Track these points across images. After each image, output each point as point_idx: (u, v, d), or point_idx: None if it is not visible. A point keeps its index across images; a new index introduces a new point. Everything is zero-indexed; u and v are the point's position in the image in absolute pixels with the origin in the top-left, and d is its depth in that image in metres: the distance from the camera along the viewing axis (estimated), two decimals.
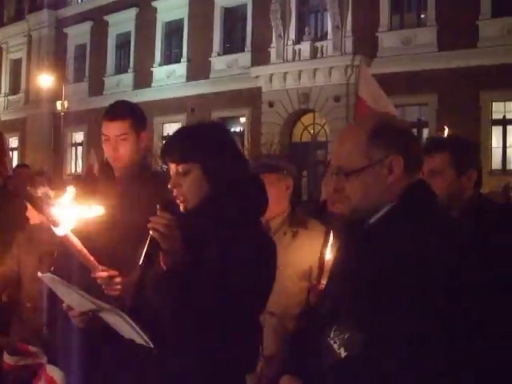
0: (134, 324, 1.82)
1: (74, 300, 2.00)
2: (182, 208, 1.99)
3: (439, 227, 1.60)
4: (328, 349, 1.61)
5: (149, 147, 2.49)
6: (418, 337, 1.44)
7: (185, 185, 1.98)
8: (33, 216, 3.81)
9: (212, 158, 1.98)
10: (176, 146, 2.03)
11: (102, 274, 2.16)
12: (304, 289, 3.02)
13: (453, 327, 1.43)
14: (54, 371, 2.87)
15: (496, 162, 17.15)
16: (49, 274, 2.01)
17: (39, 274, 1.99)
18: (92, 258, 2.14)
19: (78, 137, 28.28)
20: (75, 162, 28.29)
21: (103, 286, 2.18)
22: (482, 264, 1.55)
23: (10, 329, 3.68)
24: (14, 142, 30.56)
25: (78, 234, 2.07)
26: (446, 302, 1.43)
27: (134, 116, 2.71)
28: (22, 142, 30.02)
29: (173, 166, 2.01)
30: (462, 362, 1.43)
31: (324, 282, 2.87)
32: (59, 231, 1.99)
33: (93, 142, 22.92)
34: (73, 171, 26.62)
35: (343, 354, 1.56)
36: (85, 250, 2.10)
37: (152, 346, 1.83)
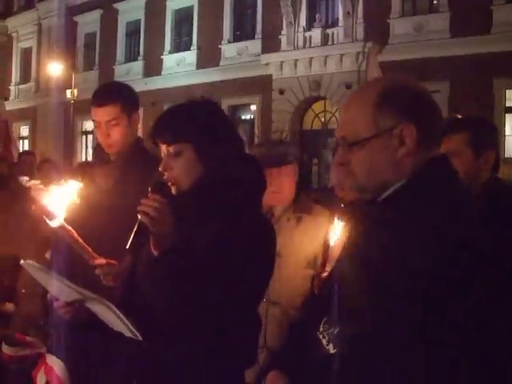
0: (121, 315, 1.72)
1: (58, 289, 1.90)
2: (174, 191, 1.87)
3: (459, 205, 1.38)
4: (317, 344, 1.43)
5: None
6: (425, 328, 1.25)
7: (176, 167, 1.86)
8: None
9: (205, 138, 1.85)
10: (166, 126, 1.90)
11: (100, 261, 2.07)
12: (309, 277, 2.88)
13: (464, 317, 1.26)
14: (53, 361, 2.83)
15: (509, 149, 16.94)
16: (29, 262, 1.90)
17: (21, 261, 1.90)
18: (89, 248, 2.05)
19: (89, 125, 28.27)
20: (85, 151, 28.35)
21: (101, 276, 2.09)
22: (497, 253, 1.38)
23: (11, 319, 3.65)
24: (24, 130, 30.74)
25: (72, 222, 1.99)
26: (461, 288, 1.25)
27: (124, 98, 2.56)
28: (32, 130, 30.14)
29: (163, 148, 1.89)
30: (471, 356, 1.27)
31: (329, 269, 2.76)
32: (53, 223, 1.91)
33: None
34: (83, 159, 26.64)
35: (332, 350, 1.39)
36: (80, 240, 2.02)
37: (140, 338, 1.73)
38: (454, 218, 1.34)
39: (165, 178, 1.88)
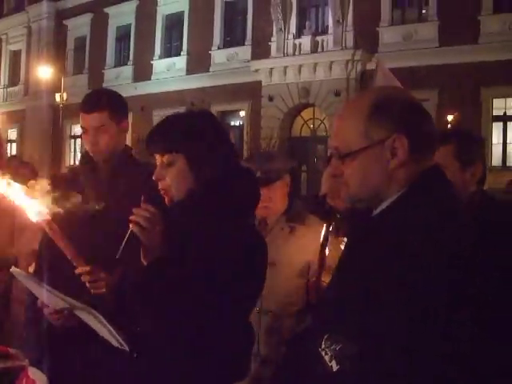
0: (108, 325, 1.73)
1: (47, 297, 1.91)
2: (167, 201, 1.88)
3: (456, 217, 1.38)
4: (319, 361, 1.40)
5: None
6: (422, 347, 1.25)
7: (169, 176, 1.88)
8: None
9: (197, 149, 1.86)
10: (160, 136, 1.93)
11: (85, 268, 2.01)
12: (302, 286, 2.90)
13: (462, 335, 1.26)
14: (36, 374, 2.76)
15: (496, 158, 17.12)
16: (18, 270, 1.91)
17: (12, 269, 1.90)
18: (74, 250, 2.01)
19: (77, 129, 28.14)
20: (74, 154, 28.24)
21: (87, 284, 2.04)
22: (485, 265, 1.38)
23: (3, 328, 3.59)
24: (12, 133, 30.54)
25: (59, 226, 1.96)
26: (460, 306, 1.26)
27: (113, 105, 2.52)
28: (20, 133, 29.98)
29: (157, 157, 1.91)
30: (464, 367, 1.26)
31: (325, 278, 2.77)
32: (36, 217, 1.89)
33: None
34: (71, 163, 26.54)
35: (335, 367, 1.35)
36: (66, 240, 1.98)
37: (127, 348, 1.73)
38: (452, 230, 1.34)
39: (159, 187, 1.90)
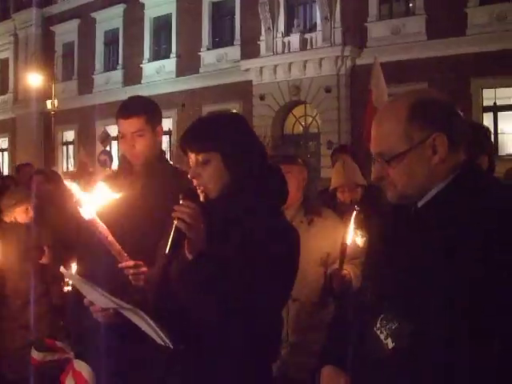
0: (153, 323, 1.80)
1: (95, 297, 2.00)
2: (202, 198, 1.95)
3: (503, 201, 1.47)
4: (374, 340, 1.52)
5: None
6: (475, 327, 1.35)
7: (205, 174, 1.95)
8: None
9: (232, 147, 1.95)
10: (195, 135, 2.00)
11: (128, 263, 2.15)
12: (321, 275, 3.15)
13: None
14: (81, 366, 2.87)
15: None
16: (69, 271, 2.03)
17: (61, 269, 1.99)
18: (118, 246, 2.13)
19: (69, 135, 28.14)
20: (67, 161, 28.18)
21: (130, 277, 2.17)
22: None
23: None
24: (3, 142, 30.44)
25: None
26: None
27: (149, 111, 2.68)
28: (11, 142, 29.86)
29: (192, 156, 1.98)
30: None
31: (347, 267, 3.07)
32: (87, 215, 1.99)
33: (83, 140, 22.85)
34: (64, 170, 26.47)
35: (390, 345, 1.48)
36: (111, 237, 2.09)
37: (171, 346, 1.80)
38: (496, 216, 1.43)
39: (194, 184, 1.98)
